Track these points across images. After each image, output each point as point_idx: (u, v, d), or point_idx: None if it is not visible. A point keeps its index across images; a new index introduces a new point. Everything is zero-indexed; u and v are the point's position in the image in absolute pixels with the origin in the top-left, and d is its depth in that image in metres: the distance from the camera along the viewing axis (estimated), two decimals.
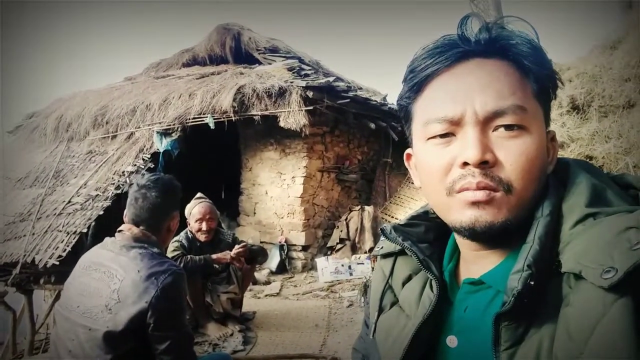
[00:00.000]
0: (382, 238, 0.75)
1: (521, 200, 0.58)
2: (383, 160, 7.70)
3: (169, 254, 2.95)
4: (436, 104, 0.61)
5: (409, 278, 0.72)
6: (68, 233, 4.72)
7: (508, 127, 0.58)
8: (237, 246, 3.09)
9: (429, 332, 0.66)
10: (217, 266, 3.13)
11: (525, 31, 0.62)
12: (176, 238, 3.10)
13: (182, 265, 2.85)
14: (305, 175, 6.03)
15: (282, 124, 5.45)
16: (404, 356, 0.65)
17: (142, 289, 1.53)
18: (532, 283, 0.52)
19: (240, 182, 6.62)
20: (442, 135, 0.61)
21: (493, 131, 0.59)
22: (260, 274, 5.40)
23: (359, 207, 6.22)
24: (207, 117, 5.54)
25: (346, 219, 6.13)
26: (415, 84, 0.64)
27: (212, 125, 5.55)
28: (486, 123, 0.59)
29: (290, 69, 6.34)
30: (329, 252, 6.00)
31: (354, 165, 7.10)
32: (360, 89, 8.25)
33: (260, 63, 7.40)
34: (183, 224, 3.23)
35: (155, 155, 5.67)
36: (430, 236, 0.73)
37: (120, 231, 1.75)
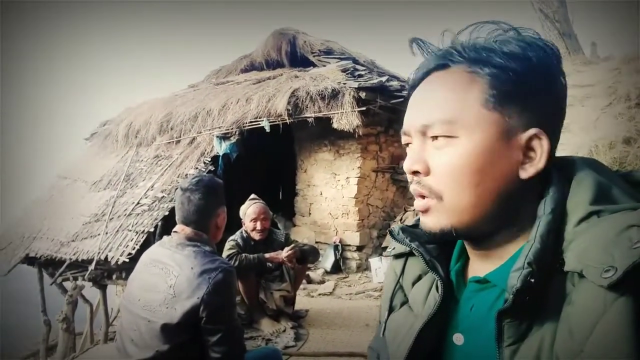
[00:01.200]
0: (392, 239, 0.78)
1: (456, 206, 0.61)
2: None
3: (225, 252, 3.10)
4: (404, 117, 0.68)
5: (419, 278, 0.74)
6: (137, 232, 5.07)
7: (437, 138, 0.62)
8: (287, 248, 3.18)
9: (435, 331, 0.68)
10: (270, 265, 3.25)
11: (499, 33, 0.63)
12: (232, 237, 3.25)
13: (237, 263, 2.98)
14: (360, 176, 6.05)
15: (335, 125, 5.51)
16: (408, 354, 0.67)
17: (195, 285, 1.64)
18: (532, 281, 0.53)
19: (295, 183, 6.77)
20: (407, 145, 0.67)
21: (433, 141, 0.63)
22: (315, 274, 5.49)
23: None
24: (262, 120, 5.72)
25: (401, 219, 6.07)
26: (407, 97, 0.70)
27: (267, 129, 5.72)
28: (424, 134, 0.63)
29: (343, 70, 6.39)
30: (383, 253, 5.98)
31: None
32: None
33: (315, 65, 7.52)
34: (239, 223, 3.39)
35: (215, 159, 5.93)
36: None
37: (175, 231, 1.88)
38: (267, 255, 3.14)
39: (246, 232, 3.30)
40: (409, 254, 0.76)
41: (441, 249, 0.72)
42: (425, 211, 0.63)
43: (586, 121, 4.11)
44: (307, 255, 3.31)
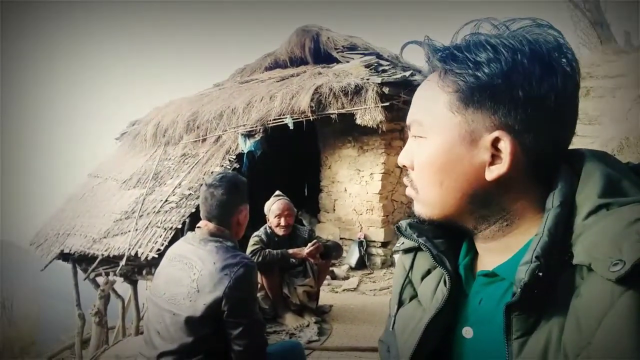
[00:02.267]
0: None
1: (427, 201, 0.68)
2: None
3: (249, 248, 3.15)
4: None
5: (428, 272, 0.75)
6: (165, 229, 5.19)
7: (415, 137, 0.69)
8: (309, 244, 3.20)
9: (443, 325, 0.68)
10: (293, 260, 3.28)
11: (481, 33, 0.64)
12: (256, 233, 3.30)
13: (260, 258, 3.03)
14: (384, 172, 6.02)
15: (358, 121, 5.50)
16: (417, 348, 0.68)
17: (217, 280, 1.68)
18: (540, 274, 0.53)
19: (320, 180, 6.79)
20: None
21: (415, 139, 0.69)
22: (340, 270, 5.50)
23: None
24: (286, 117, 5.76)
25: None
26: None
27: (291, 126, 5.76)
28: (410, 132, 0.70)
29: (367, 66, 6.36)
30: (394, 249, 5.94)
31: None
32: None
33: (338, 62, 7.51)
34: (264, 219, 3.43)
35: (240, 156, 6.01)
36: (445, 232, 0.74)
37: (198, 227, 1.92)
38: (290, 250, 3.19)
39: (270, 228, 3.34)
40: (418, 248, 0.77)
41: (449, 244, 0.73)
42: (411, 201, 0.71)
43: (617, 113, 3.97)
44: (330, 251, 3.33)
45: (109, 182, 7.00)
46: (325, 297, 4.15)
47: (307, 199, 8.05)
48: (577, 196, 0.58)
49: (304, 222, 6.85)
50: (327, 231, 6.32)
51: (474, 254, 0.72)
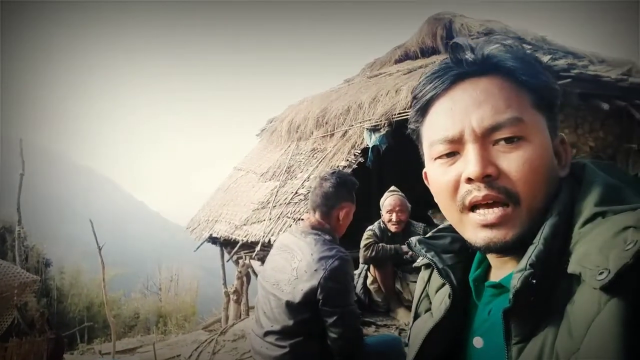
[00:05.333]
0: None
1: (531, 209, 0.59)
2: (625, 146, 6.44)
3: (363, 241, 3.22)
4: (437, 126, 0.66)
5: (442, 285, 0.76)
6: (294, 219, 5.55)
7: (508, 140, 0.60)
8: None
9: (447, 335, 0.70)
10: (407, 256, 3.26)
11: (516, 45, 0.64)
12: (370, 227, 3.36)
13: (373, 253, 3.08)
14: None
15: None
16: (416, 356, 0.71)
17: (313, 270, 1.80)
18: (533, 281, 0.54)
19: None
20: (448, 155, 0.64)
21: (494, 145, 0.61)
22: None
23: None
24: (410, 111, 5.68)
25: None
26: (420, 109, 0.69)
27: None
28: (485, 138, 0.61)
29: None
30: None
31: (585, 154, 6.16)
32: (602, 61, 7.07)
33: None
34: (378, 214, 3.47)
35: (365, 151, 6.12)
36: (456, 246, 0.75)
37: (302, 219, 2.07)
38: (404, 247, 3.17)
39: (384, 222, 3.37)
40: None
41: (459, 258, 0.74)
42: (497, 224, 0.60)
43: None
44: None
45: (250, 174, 7.73)
46: None
47: None
48: (576, 205, 0.58)
49: (435, 221, 6.68)
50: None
51: (486, 266, 0.71)
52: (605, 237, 0.50)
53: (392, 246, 3.17)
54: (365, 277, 3.31)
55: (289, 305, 1.83)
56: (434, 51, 7.99)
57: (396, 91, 6.16)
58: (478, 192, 0.60)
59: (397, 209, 3.27)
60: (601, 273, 0.47)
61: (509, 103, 0.61)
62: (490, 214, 0.60)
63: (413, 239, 0.79)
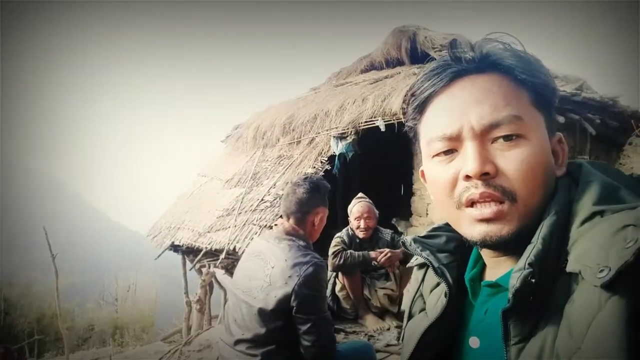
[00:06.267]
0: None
1: (528, 207, 0.59)
2: (579, 158, 6.78)
3: (331, 249, 3.21)
4: (436, 123, 0.65)
5: (437, 285, 0.76)
6: (260, 226, 5.49)
7: (506, 138, 0.60)
8: (381, 255, 3.13)
9: (442, 335, 0.70)
10: (375, 263, 3.28)
11: (514, 44, 0.64)
12: (338, 234, 3.36)
13: (341, 260, 3.08)
14: None
15: None
16: (411, 355, 0.70)
17: (287, 276, 1.77)
18: (532, 281, 0.53)
19: (412, 183, 6.66)
20: (446, 152, 0.64)
21: (492, 143, 0.61)
22: None
23: None
24: (378, 120, 5.76)
25: None
26: (417, 106, 0.69)
27: (382, 128, 5.74)
28: (484, 136, 0.61)
29: None
30: None
31: None
32: (556, 77, 7.43)
33: None
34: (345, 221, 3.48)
35: (332, 158, 6.14)
36: (451, 246, 0.75)
37: (275, 225, 2.04)
38: (372, 253, 3.16)
39: (352, 229, 3.38)
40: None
41: (454, 257, 0.74)
42: (494, 219, 0.60)
43: None
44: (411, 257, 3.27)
45: (215, 181, 7.59)
46: None
47: (402, 203, 7.95)
48: (574, 204, 0.58)
49: (399, 229, 6.77)
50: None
51: (482, 265, 0.71)
52: (605, 235, 0.51)
53: (360, 253, 3.17)
54: (334, 284, 3.30)
55: (262, 312, 1.79)
56: (398, 62, 8.14)
57: (363, 100, 6.23)
58: (475, 189, 0.60)
59: (365, 215, 3.29)
60: (602, 271, 0.47)
61: (508, 101, 0.61)
62: (487, 209, 0.60)
63: (408, 238, 0.78)
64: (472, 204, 0.61)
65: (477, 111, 0.61)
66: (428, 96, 0.67)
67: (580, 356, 0.48)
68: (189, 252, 6.74)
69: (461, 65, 0.64)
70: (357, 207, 3.34)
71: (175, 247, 6.91)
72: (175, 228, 6.93)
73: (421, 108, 0.69)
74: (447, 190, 0.64)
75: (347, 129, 6.03)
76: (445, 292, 0.70)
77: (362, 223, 3.28)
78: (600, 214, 0.54)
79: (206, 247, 5.92)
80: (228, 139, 8.70)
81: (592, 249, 0.51)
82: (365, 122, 5.93)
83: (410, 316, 0.80)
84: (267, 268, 1.87)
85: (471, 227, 0.62)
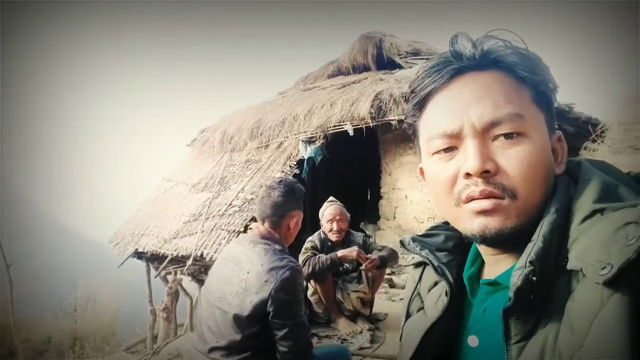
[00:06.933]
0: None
1: (528, 204, 0.59)
2: None
3: (301, 256, 3.16)
4: (436, 120, 0.65)
5: (435, 285, 0.76)
6: (228, 231, 5.41)
7: (507, 136, 0.60)
8: (367, 262, 3.09)
9: (443, 334, 0.69)
10: (347, 266, 3.27)
11: (516, 41, 0.64)
12: (310, 238, 3.34)
13: (310, 269, 3.04)
14: None
15: None
16: (413, 355, 0.69)
17: (263, 281, 1.74)
18: (534, 279, 0.54)
19: (380, 187, 6.74)
20: (446, 149, 0.64)
21: (493, 140, 0.61)
22: (399, 278, 5.42)
23: None
24: (346, 124, 5.80)
25: None
26: (417, 103, 0.68)
27: (350, 132, 5.79)
28: (485, 133, 0.61)
29: None
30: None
31: None
32: None
33: (402, 68, 7.45)
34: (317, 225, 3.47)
35: (300, 162, 6.14)
36: (449, 244, 0.75)
37: (250, 228, 2.00)
38: (339, 253, 3.09)
39: (324, 233, 3.37)
40: (426, 262, 0.78)
41: (453, 256, 0.74)
42: (492, 211, 0.60)
43: None
44: (385, 261, 3.27)
45: (180, 185, 7.43)
46: (382, 305, 4.10)
47: (370, 205, 8.03)
48: (574, 202, 0.58)
49: (367, 232, 6.82)
50: (387, 239, 6.25)
51: (480, 263, 0.71)
52: (606, 232, 0.51)
53: (328, 256, 3.09)
54: (306, 288, 3.28)
55: (237, 318, 1.75)
56: (365, 68, 8.25)
57: (331, 104, 6.27)
58: (475, 186, 0.60)
59: (337, 218, 3.28)
60: (604, 268, 0.47)
61: (509, 99, 0.61)
62: (486, 202, 0.59)
63: (406, 238, 0.77)
64: (471, 200, 0.61)
65: (478, 109, 0.61)
66: (428, 93, 0.66)
67: (582, 354, 0.48)
68: (154, 259, 6.55)
69: (462, 62, 0.64)
70: (329, 210, 3.34)
71: (139, 254, 6.70)
72: (139, 234, 6.73)
73: (421, 105, 0.68)
74: (446, 187, 0.64)
75: (316, 133, 6.04)
76: (446, 291, 0.70)
77: (334, 225, 3.27)
78: (600, 211, 0.55)
79: (172, 254, 5.77)
80: (194, 143, 8.55)
81: (594, 247, 0.51)
82: (334, 126, 5.96)
83: (408, 315, 0.79)
84: (242, 273, 1.83)
85: (470, 221, 0.62)
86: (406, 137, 6.10)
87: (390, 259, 3.36)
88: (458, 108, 0.62)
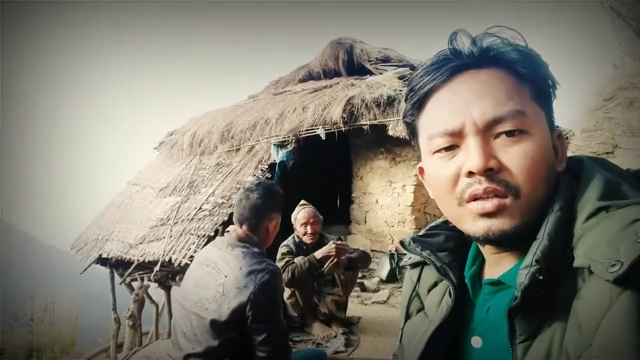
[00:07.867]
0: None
1: (531, 202, 0.59)
2: None
3: (278, 262, 3.10)
4: (437, 119, 0.64)
5: (434, 285, 0.75)
6: (198, 236, 5.29)
7: (509, 133, 0.59)
8: (325, 248, 3.05)
9: (448, 335, 0.68)
10: (322, 270, 3.24)
11: (515, 39, 0.63)
12: (285, 242, 3.29)
13: (289, 275, 2.99)
14: (416, 184, 5.95)
15: (391, 132, 5.47)
16: (420, 358, 0.68)
17: (242, 285, 1.70)
18: (540, 278, 0.53)
19: (351, 191, 6.77)
20: (447, 148, 0.63)
21: (495, 138, 0.60)
22: (370, 282, 5.44)
23: None
24: (318, 128, 5.80)
25: None
26: (416, 102, 0.67)
27: (323, 136, 5.79)
28: (487, 131, 0.60)
29: (400, 78, 6.34)
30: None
31: None
32: None
33: (372, 74, 7.52)
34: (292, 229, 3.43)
35: (272, 166, 6.09)
36: (450, 244, 0.74)
37: (227, 231, 1.95)
38: (316, 253, 3.04)
39: (298, 237, 3.33)
40: (424, 262, 0.77)
41: (454, 256, 0.73)
42: (495, 212, 0.59)
43: None
44: (356, 263, 3.27)
45: (147, 189, 7.22)
46: (355, 308, 4.10)
47: (340, 210, 8.04)
48: (577, 200, 0.58)
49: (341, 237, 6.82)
50: (358, 243, 6.28)
51: (480, 263, 0.71)
52: (614, 230, 0.50)
53: (305, 258, 3.03)
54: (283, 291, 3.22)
55: (214, 324, 1.70)
56: (335, 73, 8.28)
57: (303, 109, 6.26)
58: (479, 185, 0.59)
59: (311, 220, 3.26)
60: (613, 265, 0.47)
61: (510, 95, 0.60)
62: (489, 203, 0.58)
63: (406, 238, 0.75)
64: (474, 199, 0.60)
65: (479, 106, 0.60)
66: (428, 91, 0.65)
67: (591, 352, 0.47)
68: (119, 265, 6.33)
69: (461, 60, 0.63)
70: (302, 213, 3.31)
71: (102, 260, 6.46)
72: (103, 240, 6.49)
73: (420, 104, 0.67)
74: (448, 187, 0.62)
75: (288, 137, 6.01)
76: (450, 292, 0.69)
77: (309, 228, 3.24)
78: (605, 209, 0.54)
79: (138, 260, 5.60)
80: (161, 146, 8.34)
81: (601, 244, 0.50)
82: (306, 130, 5.95)
83: (408, 316, 0.78)
84: (220, 277, 1.78)
85: (473, 223, 0.61)
86: (377, 142, 6.15)
87: (361, 260, 3.36)
88: (459, 106, 0.61)
